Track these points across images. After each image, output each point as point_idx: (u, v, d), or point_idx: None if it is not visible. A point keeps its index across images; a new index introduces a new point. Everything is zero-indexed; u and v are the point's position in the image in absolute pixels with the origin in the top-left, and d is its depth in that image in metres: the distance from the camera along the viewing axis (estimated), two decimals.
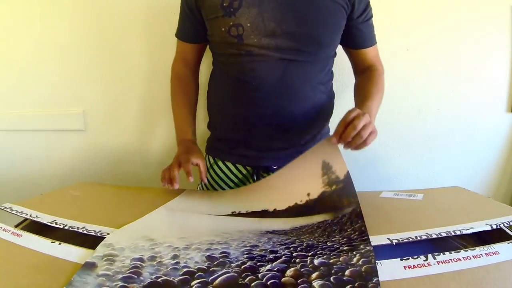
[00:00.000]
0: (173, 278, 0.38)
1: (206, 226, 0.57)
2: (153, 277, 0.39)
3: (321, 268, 0.39)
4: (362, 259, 0.40)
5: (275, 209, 0.60)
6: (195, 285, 0.37)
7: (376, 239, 0.44)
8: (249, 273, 0.39)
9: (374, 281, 0.36)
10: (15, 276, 0.38)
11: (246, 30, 0.69)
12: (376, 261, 0.39)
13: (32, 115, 1.17)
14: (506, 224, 0.47)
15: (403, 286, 0.35)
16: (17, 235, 0.46)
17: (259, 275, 0.38)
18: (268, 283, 0.37)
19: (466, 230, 0.45)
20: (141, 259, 0.42)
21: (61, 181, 1.16)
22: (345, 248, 0.43)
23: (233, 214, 0.59)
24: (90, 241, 0.46)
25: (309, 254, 0.42)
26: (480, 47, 0.97)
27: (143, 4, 1.03)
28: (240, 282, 0.37)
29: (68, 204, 0.64)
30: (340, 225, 0.51)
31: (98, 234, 0.48)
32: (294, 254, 0.42)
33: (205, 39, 0.79)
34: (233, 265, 0.40)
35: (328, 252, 0.42)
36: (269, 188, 0.67)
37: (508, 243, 0.41)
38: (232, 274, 0.39)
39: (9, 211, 0.55)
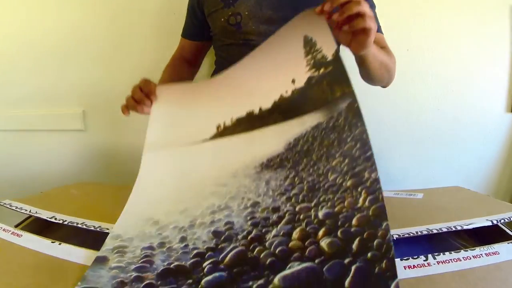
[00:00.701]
0: (184, 263, 0.39)
1: (200, 179, 0.51)
2: (165, 264, 0.39)
3: (327, 222, 0.38)
4: (368, 198, 0.37)
5: (260, 109, 0.52)
6: (207, 267, 0.38)
7: None
8: (256, 243, 0.39)
9: (383, 226, 0.35)
10: (15, 276, 0.38)
11: (244, 18, 0.70)
12: None
13: (32, 115, 1.17)
14: (506, 220, 0.47)
15: (403, 286, 0.35)
16: (17, 235, 0.46)
17: (266, 244, 0.38)
18: (277, 251, 0.37)
19: (467, 225, 0.45)
20: (151, 247, 0.42)
21: (61, 181, 1.15)
22: (348, 183, 0.40)
23: (219, 132, 0.53)
24: (90, 241, 0.46)
25: (312, 204, 0.40)
26: (480, 47, 0.97)
27: (145, 5, 1.03)
28: (249, 255, 0.38)
29: (67, 202, 0.64)
30: (338, 131, 0.44)
31: (98, 229, 0.48)
32: (297, 209, 0.41)
33: (203, 37, 0.82)
34: (239, 237, 0.40)
35: (331, 196, 0.40)
36: (249, 78, 0.56)
37: (508, 243, 0.41)
38: (240, 248, 0.39)
39: (9, 207, 0.55)
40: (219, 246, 0.40)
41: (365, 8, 0.45)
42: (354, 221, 0.37)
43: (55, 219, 0.52)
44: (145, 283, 0.38)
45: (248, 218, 0.43)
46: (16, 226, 0.52)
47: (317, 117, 0.48)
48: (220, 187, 0.48)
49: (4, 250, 0.44)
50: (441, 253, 0.39)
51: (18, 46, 1.13)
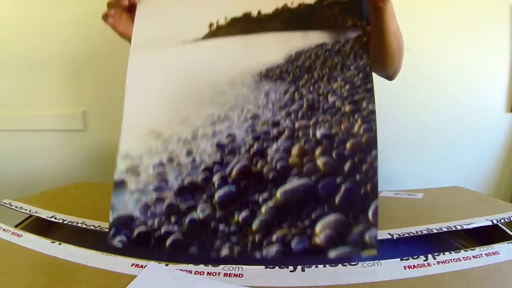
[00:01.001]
0: (196, 178, 0.44)
1: (196, 85, 0.49)
2: (179, 181, 0.44)
3: (324, 141, 0.41)
4: (363, 126, 0.42)
5: (259, 12, 0.49)
6: (216, 182, 0.43)
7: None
8: (259, 157, 0.43)
9: (372, 154, 0.40)
10: (15, 276, 0.38)
11: None
12: (376, 261, 0.39)
13: (32, 115, 1.17)
14: (506, 220, 0.47)
15: (403, 286, 0.35)
16: (17, 235, 0.46)
17: (268, 159, 0.43)
18: (278, 167, 0.42)
19: (467, 225, 0.45)
20: (161, 164, 0.46)
21: (61, 181, 1.16)
22: (346, 108, 0.43)
23: (212, 31, 0.50)
24: (90, 241, 0.46)
25: (311, 122, 0.43)
26: (480, 47, 0.97)
27: None
28: (253, 170, 0.43)
29: (67, 201, 0.64)
30: (342, 56, 0.44)
31: (98, 229, 0.48)
32: (296, 125, 0.43)
33: None
34: (242, 151, 0.44)
35: (329, 118, 0.43)
36: None
37: (508, 243, 0.41)
38: (244, 163, 0.43)
39: (9, 206, 0.55)
40: (224, 160, 0.44)
41: None
42: (348, 145, 0.41)
43: (55, 218, 0.52)
44: (166, 203, 0.44)
45: (249, 131, 0.45)
46: (16, 226, 0.52)
47: (323, 37, 0.46)
48: (217, 95, 0.47)
49: (4, 250, 0.44)
50: (441, 253, 0.39)
51: (18, 46, 1.13)
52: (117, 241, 0.44)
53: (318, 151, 0.41)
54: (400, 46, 0.62)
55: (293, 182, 0.41)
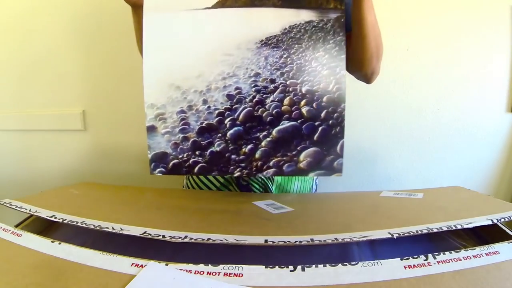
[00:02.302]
0: (211, 121, 0.58)
1: (209, 47, 0.59)
2: (199, 123, 0.58)
3: (307, 95, 0.57)
4: (336, 86, 0.57)
5: None
6: (228, 123, 0.58)
7: (377, 234, 0.44)
8: (260, 105, 0.58)
9: (341, 106, 0.56)
10: (15, 276, 0.38)
11: None
12: (376, 261, 0.39)
13: (32, 115, 1.17)
14: (506, 219, 0.47)
15: (403, 286, 0.35)
16: (17, 235, 0.46)
17: (266, 106, 0.57)
18: (273, 112, 0.57)
19: (467, 224, 0.45)
20: (183, 111, 0.58)
21: (61, 181, 1.16)
22: (325, 72, 0.57)
23: (220, 1, 0.59)
24: (90, 241, 0.46)
25: (299, 81, 0.57)
26: (480, 47, 0.97)
27: None
28: (255, 114, 0.58)
29: (67, 201, 0.64)
30: (324, 32, 0.58)
31: (97, 228, 0.48)
32: (287, 82, 0.57)
33: None
34: (247, 100, 0.58)
35: (312, 78, 0.57)
36: None
37: (508, 243, 0.41)
38: (248, 109, 0.58)
39: (9, 206, 0.55)
40: (233, 107, 0.58)
41: None
42: (324, 99, 0.57)
43: (55, 218, 0.52)
44: (191, 140, 0.58)
45: (252, 85, 0.58)
46: (16, 226, 0.52)
47: (310, 15, 0.59)
48: (227, 56, 0.59)
49: (4, 250, 0.44)
50: (441, 253, 0.39)
51: (18, 46, 1.13)
52: (158, 172, 0.59)
53: (303, 102, 0.57)
54: (377, 42, 0.64)
55: (285, 124, 0.57)
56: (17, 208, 0.54)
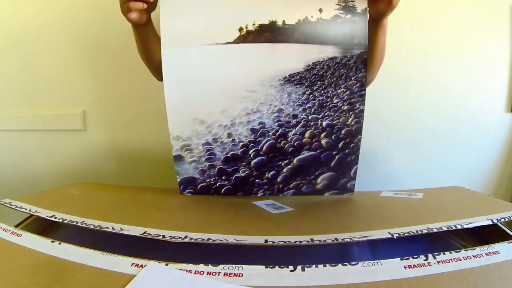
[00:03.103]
0: (236, 152, 0.63)
1: (231, 84, 0.60)
2: (224, 154, 0.63)
3: (327, 129, 0.61)
4: (354, 120, 0.60)
5: (284, 22, 0.58)
6: (252, 153, 0.62)
7: (377, 234, 0.44)
8: (282, 138, 0.62)
9: (358, 137, 0.61)
10: (15, 276, 0.38)
11: None
12: (376, 261, 0.39)
13: (32, 115, 1.17)
14: (506, 219, 0.47)
15: (403, 286, 0.35)
16: (17, 235, 0.46)
17: (288, 139, 0.62)
18: (295, 144, 0.62)
19: (467, 224, 0.45)
20: (208, 143, 0.62)
21: (61, 181, 1.16)
22: (345, 108, 0.60)
23: (243, 36, 0.58)
24: (90, 241, 0.46)
25: (320, 116, 0.61)
26: (480, 47, 0.97)
27: None
28: (278, 146, 0.62)
29: (67, 201, 0.64)
30: (347, 68, 0.59)
31: (97, 228, 0.48)
32: (309, 118, 0.61)
33: None
34: (270, 134, 0.62)
35: (332, 114, 0.60)
36: None
37: (508, 243, 0.41)
38: (271, 141, 0.62)
39: (9, 206, 0.55)
40: (257, 140, 0.62)
41: None
42: (343, 132, 0.61)
43: (55, 217, 0.52)
44: (217, 168, 0.63)
45: (275, 120, 0.62)
46: (16, 226, 0.52)
47: (334, 52, 0.59)
48: (250, 93, 0.60)
49: (4, 249, 0.44)
50: (442, 253, 0.39)
51: (18, 46, 1.13)
52: (187, 192, 0.66)
53: (323, 135, 0.61)
54: (382, 61, 0.67)
55: (305, 154, 0.62)
56: (17, 208, 0.54)
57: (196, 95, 0.61)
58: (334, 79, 0.60)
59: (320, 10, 0.57)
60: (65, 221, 0.50)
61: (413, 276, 0.36)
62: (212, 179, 0.64)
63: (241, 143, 0.62)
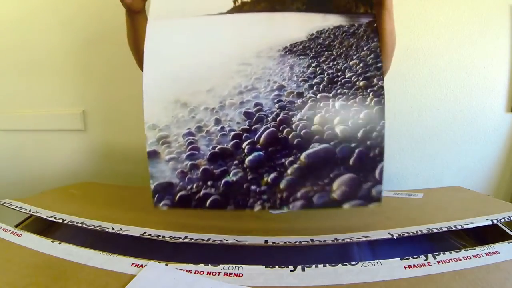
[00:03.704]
0: (226, 145, 0.48)
1: (222, 56, 0.51)
2: (210, 148, 0.48)
3: (342, 111, 0.47)
4: (374, 99, 0.47)
5: None
6: (246, 147, 0.48)
7: (377, 234, 0.44)
8: (285, 125, 0.47)
9: (381, 124, 0.46)
10: (15, 276, 0.38)
11: None
12: (376, 261, 0.39)
13: (32, 115, 1.17)
14: (506, 219, 0.47)
15: (403, 285, 0.35)
16: (17, 234, 0.46)
17: (293, 126, 0.47)
18: (301, 133, 0.47)
19: (467, 225, 0.45)
20: (190, 133, 0.48)
21: (61, 181, 1.16)
22: (361, 84, 0.48)
23: (237, 7, 0.52)
24: (90, 241, 0.46)
25: (331, 94, 0.48)
26: (480, 47, 0.97)
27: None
28: (279, 136, 0.47)
29: (67, 201, 0.64)
30: (357, 38, 0.50)
31: (97, 228, 0.48)
32: (318, 97, 0.48)
33: None
34: (269, 119, 0.48)
35: (346, 91, 0.48)
36: None
37: (508, 243, 0.41)
38: (271, 129, 0.47)
39: (9, 206, 0.55)
40: (253, 127, 0.48)
41: None
42: (361, 115, 0.47)
43: (55, 218, 0.52)
44: (201, 169, 0.48)
45: (275, 100, 0.48)
46: (16, 226, 0.52)
47: (340, 20, 0.51)
48: (244, 66, 0.50)
49: (4, 249, 0.44)
50: (441, 253, 0.39)
51: (18, 46, 1.13)
52: (162, 205, 0.48)
53: (336, 120, 0.47)
54: (393, 46, 0.63)
55: (315, 147, 0.47)
56: (17, 209, 0.54)
57: (179, 71, 0.50)
58: (344, 49, 0.50)
59: None
60: (65, 222, 0.50)
61: (413, 276, 0.36)
62: (194, 186, 0.48)
63: (232, 133, 0.48)
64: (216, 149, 0.48)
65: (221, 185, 0.48)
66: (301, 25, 0.52)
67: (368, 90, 0.48)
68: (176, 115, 0.49)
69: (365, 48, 0.50)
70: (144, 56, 0.50)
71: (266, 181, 0.48)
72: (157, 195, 0.49)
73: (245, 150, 0.48)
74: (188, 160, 0.48)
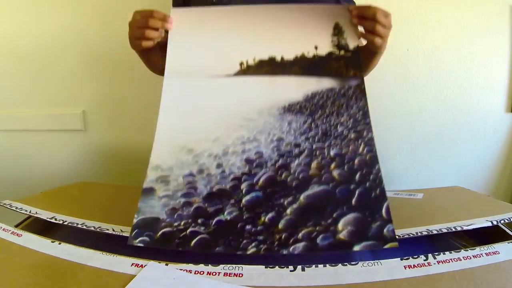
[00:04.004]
0: (224, 186, 0.48)
1: (228, 112, 0.57)
2: (208, 188, 0.48)
3: (336, 158, 0.51)
4: (365, 148, 0.51)
5: (282, 58, 0.59)
6: (244, 188, 0.48)
7: None
8: (283, 169, 0.50)
9: (376, 168, 0.49)
10: (15, 276, 0.38)
11: None
12: (376, 261, 0.39)
13: (32, 115, 1.17)
14: (506, 221, 0.47)
15: (403, 285, 0.35)
16: (17, 235, 0.46)
17: (291, 171, 0.50)
18: (300, 177, 0.49)
19: (467, 226, 0.45)
20: (191, 174, 0.50)
21: (61, 181, 1.16)
22: (352, 136, 0.53)
23: (243, 70, 0.58)
24: (90, 241, 0.46)
25: (326, 145, 0.52)
26: (480, 47, 0.97)
27: (144, 4, 1.03)
28: (278, 179, 0.49)
29: (67, 202, 0.64)
30: (347, 98, 0.56)
31: (98, 230, 0.48)
32: (313, 147, 0.52)
33: None
34: (268, 164, 0.50)
35: (339, 142, 0.52)
36: (273, 25, 0.61)
37: (508, 243, 0.41)
38: (270, 173, 0.49)
39: (9, 207, 0.55)
40: (252, 172, 0.50)
41: (388, 21, 0.58)
42: (356, 161, 0.50)
43: (55, 219, 0.52)
44: (194, 206, 0.47)
45: (275, 149, 0.52)
46: (16, 226, 0.52)
47: (332, 83, 0.58)
48: (247, 121, 0.55)
49: (4, 249, 0.44)
50: (442, 253, 0.39)
51: (17, 47, 1.13)
52: (138, 242, 0.45)
53: (332, 165, 0.50)
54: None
55: (314, 188, 0.48)
56: (17, 210, 0.54)
57: (189, 123, 0.56)
58: (335, 108, 0.56)
59: (316, 47, 0.59)
60: (66, 223, 0.50)
61: (413, 276, 0.36)
62: (182, 223, 0.46)
63: (232, 175, 0.49)
64: (214, 189, 0.48)
65: (213, 223, 0.46)
66: (298, 87, 0.58)
67: (359, 141, 0.52)
68: (180, 159, 0.51)
69: (354, 107, 0.55)
70: (160, 109, 0.56)
71: (263, 221, 0.46)
72: (135, 231, 0.45)
73: (243, 191, 0.48)
74: (183, 198, 0.47)
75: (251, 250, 0.43)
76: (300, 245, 0.43)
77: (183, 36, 0.60)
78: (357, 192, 0.47)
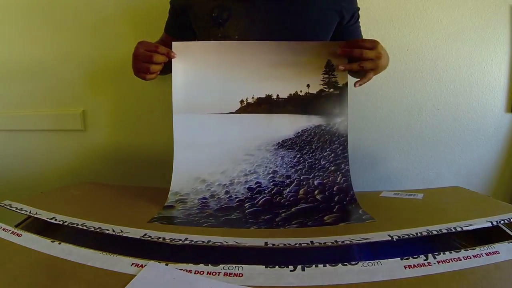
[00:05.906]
0: (231, 204, 0.62)
1: (232, 148, 0.68)
2: (218, 206, 0.62)
3: (319, 187, 0.65)
4: (343, 179, 0.66)
5: (278, 96, 0.68)
6: (247, 206, 0.62)
7: (377, 236, 0.44)
8: (277, 195, 0.64)
9: (351, 194, 0.64)
10: (15, 276, 0.38)
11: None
12: (376, 261, 0.39)
13: (32, 115, 1.17)
14: (506, 221, 0.47)
15: (403, 286, 0.35)
16: (17, 234, 0.46)
17: (284, 195, 0.64)
18: (290, 199, 0.63)
19: (467, 226, 0.45)
20: (205, 198, 0.64)
21: (61, 181, 1.16)
22: (332, 168, 0.66)
23: (243, 107, 0.68)
24: (90, 241, 0.46)
25: (311, 176, 0.66)
26: (480, 47, 0.97)
27: (144, 5, 1.03)
28: (274, 201, 0.63)
29: (68, 202, 0.64)
30: (330, 134, 0.67)
31: (98, 230, 0.48)
32: (301, 178, 0.66)
33: (186, 36, 0.79)
34: (266, 192, 0.65)
35: (321, 174, 0.66)
36: (270, 63, 0.68)
37: (508, 242, 0.41)
38: (267, 197, 0.64)
39: (9, 208, 0.55)
40: (253, 196, 0.64)
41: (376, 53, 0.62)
42: (335, 189, 0.65)
43: (55, 220, 0.51)
44: (206, 213, 0.59)
45: (271, 181, 0.66)
46: (16, 226, 0.52)
47: (319, 120, 0.68)
48: (249, 156, 0.67)
49: (4, 249, 0.44)
50: (441, 253, 0.39)
51: (17, 47, 1.13)
52: (157, 221, 0.56)
53: (316, 192, 0.64)
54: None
55: (302, 205, 0.62)
56: (17, 210, 0.54)
57: (200, 157, 0.67)
58: (320, 143, 0.67)
59: (308, 85, 0.67)
60: (66, 223, 0.50)
61: (413, 276, 0.36)
62: (195, 218, 0.58)
63: (237, 199, 0.63)
64: (223, 207, 0.62)
65: (222, 220, 0.58)
66: (290, 125, 0.68)
67: (338, 173, 0.66)
68: (195, 187, 0.65)
69: (336, 142, 0.67)
70: (174, 144, 0.67)
71: (263, 219, 0.58)
72: (156, 217, 0.57)
73: (246, 207, 0.62)
74: (198, 210, 0.60)
75: (253, 227, 0.55)
76: (293, 225, 0.55)
77: (186, 71, 0.67)
78: (336, 206, 0.61)
